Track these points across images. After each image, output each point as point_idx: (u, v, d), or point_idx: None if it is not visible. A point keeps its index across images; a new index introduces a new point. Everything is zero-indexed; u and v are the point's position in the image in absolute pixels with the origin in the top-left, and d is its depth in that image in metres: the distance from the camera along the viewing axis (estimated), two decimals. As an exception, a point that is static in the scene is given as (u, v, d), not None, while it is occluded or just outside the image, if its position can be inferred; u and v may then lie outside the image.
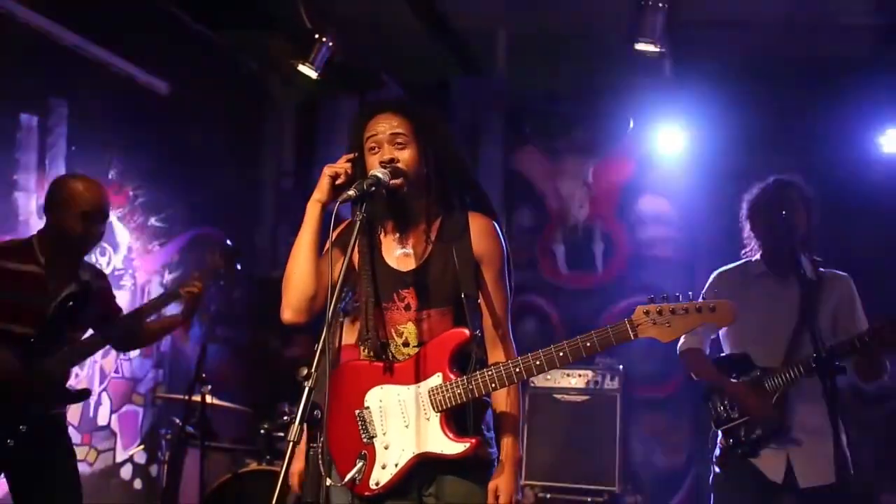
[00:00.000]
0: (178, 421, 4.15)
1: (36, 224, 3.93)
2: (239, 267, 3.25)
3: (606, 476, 4.39)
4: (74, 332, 2.92)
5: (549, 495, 4.41)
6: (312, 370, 1.84)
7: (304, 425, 1.82)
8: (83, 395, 3.06)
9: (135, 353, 4.54)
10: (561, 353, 2.08)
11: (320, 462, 1.86)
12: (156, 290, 4.74)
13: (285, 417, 4.05)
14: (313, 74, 4.13)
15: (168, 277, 4.89)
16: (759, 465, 2.91)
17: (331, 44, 4.09)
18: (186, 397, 3.69)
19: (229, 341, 5.29)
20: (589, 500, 4.38)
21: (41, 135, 4.02)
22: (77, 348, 2.91)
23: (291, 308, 2.17)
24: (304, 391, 1.83)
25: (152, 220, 4.79)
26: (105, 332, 3.03)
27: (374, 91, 5.31)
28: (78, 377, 4.12)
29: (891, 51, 4.43)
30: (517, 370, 2.10)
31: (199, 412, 3.75)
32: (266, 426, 4.14)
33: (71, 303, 2.85)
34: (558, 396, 4.48)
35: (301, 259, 2.17)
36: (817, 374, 2.67)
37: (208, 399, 3.83)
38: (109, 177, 4.39)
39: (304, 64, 4.09)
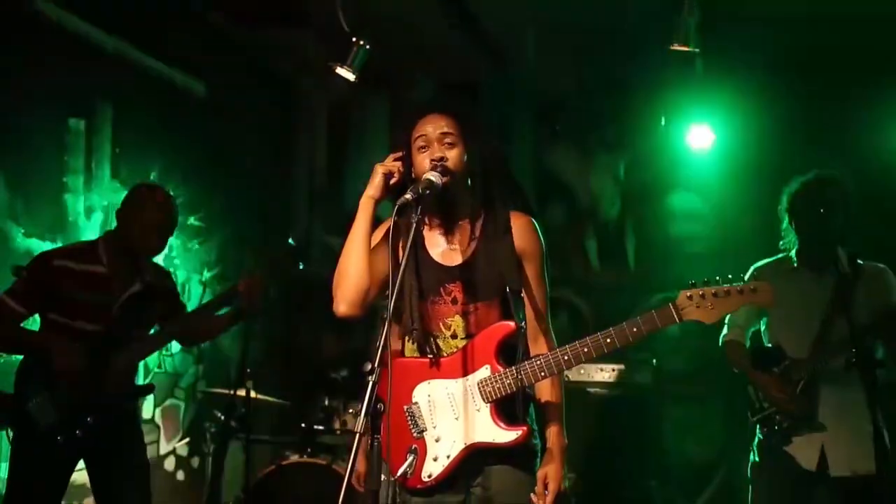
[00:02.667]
0: (220, 415, 4.27)
1: (84, 225, 4.05)
2: (301, 266, 3.36)
3: (639, 469, 4.45)
4: (140, 329, 3.04)
5: (583, 487, 4.47)
6: (375, 365, 1.92)
7: (369, 418, 1.89)
8: (148, 390, 3.20)
9: (176, 349, 4.67)
10: (608, 339, 2.15)
11: (382, 452, 1.94)
12: (196, 288, 4.86)
13: (351, 411, 4.18)
14: (351, 77, 4.21)
15: (207, 275, 5.01)
16: (792, 453, 2.98)
17: (368, 47, 4.17)
18: (232, 392, 3.80)
19: (265, 337, 5.40)
20: (623, 491, 4.44)
21: (88, 138, 4.14)
22: (143, 345, 3.03)
23: (346, 302, 2.24)
24: (367, 386, 1.91)
25: (191, 220, 4.90)
26: (169, 329, 3.15)
27: (405, 90, 5.39)
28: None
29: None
30: (566, 358, 2.17)
31: (243, 406, 3.86)
32: (306, 420, 4.25)
33: (135, 302, 2.98)
34: (591, 390, 4.54)
35: (354, 254, 2.24)
36: (857, 367, 2.71)
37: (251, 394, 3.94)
38: (151, 178, 4.50)
39: (342, 67, 4.17)
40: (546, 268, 2.35)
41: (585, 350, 2.16)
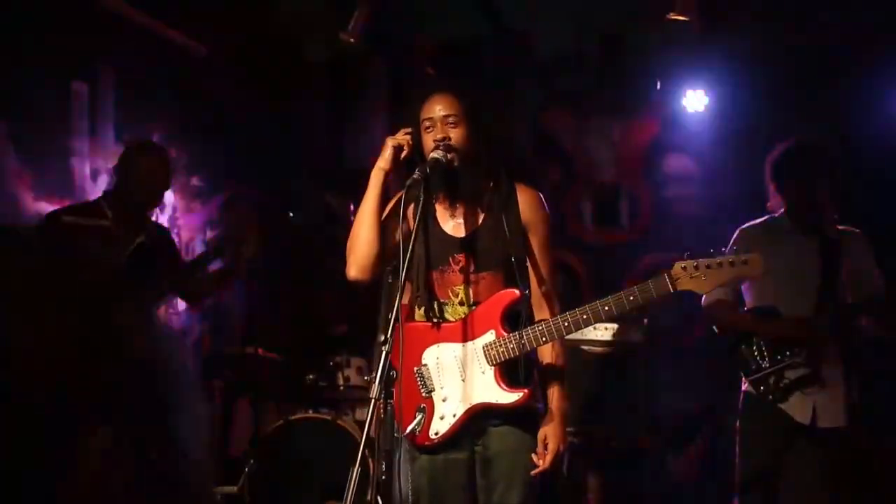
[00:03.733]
0: (229, 371, 4.41)
1: (90, 188, 4.12)
2: (292, 215, 3.46)
3: (631, 422, 4.63)
4: (148, 279, 3.16)
5: (575, 439, 4.65)
6: (388, 336, 2.04)
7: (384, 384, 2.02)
8: None
9: (182, 307, 4.79)
10: (606, 308, 2.28)
11: (394, 415, 2.08)
12: (199, 247, 4.96)
13: (366, 378, 4.33)
14: (354, 42, 4.26)
15: (209, 234, 5.10)
16: (787, 409, 3.13)
17: (370, 12, 4.21)
18: (240, 349, 3.93)
19: (268, 294, 5.52)
20: (614, 444, 4.63)
21: (91, 101, 4.19)
22: (152, 293, 3.16)
23: (357, 267, 2.38)
24: (381, 355, 2.04)
25: (193, 180, 4.97)
26: (174, 281, 3.28)
27: (404, 51, 5.42)
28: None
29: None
30: (566, 324, 2.30)
31: (251, 363, 3.99)
32: (312, 376, 4.40)
33: (142, 253, 3.11)
34: (586, 348, 4.68)
35: (366, 222, 2.37)
36: (838, 333, 2.87)
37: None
38: (154, 139, 4.56)
39: (344, 33, 4.21)
40: (551, 238, 2.46)
41: (585, 317, 2.30)
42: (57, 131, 4.00)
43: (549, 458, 2.30)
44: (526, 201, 2.41)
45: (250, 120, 5.33)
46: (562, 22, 5.03)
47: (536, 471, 2.32)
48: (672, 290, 2.27)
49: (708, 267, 2.25)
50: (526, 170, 2.56)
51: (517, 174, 2.47)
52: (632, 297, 2.28)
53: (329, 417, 4.16)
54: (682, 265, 2.26)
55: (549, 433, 2.33)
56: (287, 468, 4.03)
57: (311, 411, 4.22)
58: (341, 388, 4.42)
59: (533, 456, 2.32)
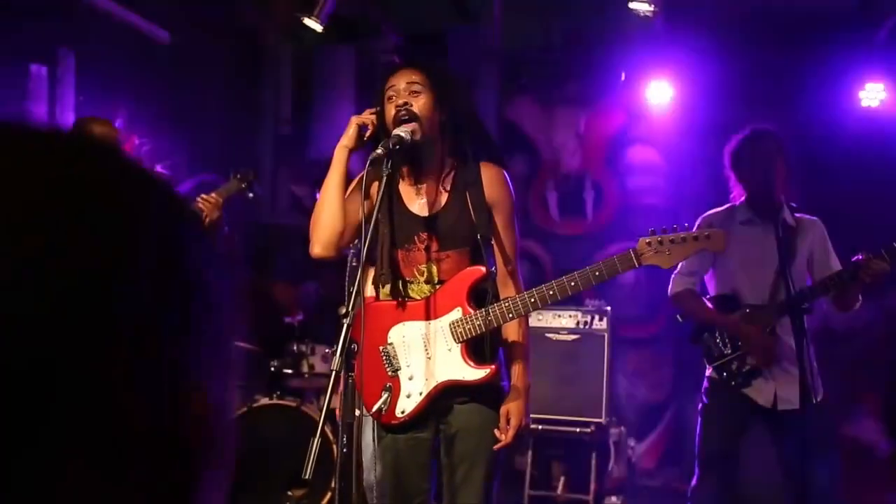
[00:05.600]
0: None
1: (50, 172, 4.06)
2: (252, 195, 3.47)
3: (593, 409, 4.67)
4: None
5: (540, 426, 4.69)
6: (350, 309, 2.04)
7: (344, 357, 2.02)
8: None
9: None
10: (573, 283, 2.29)
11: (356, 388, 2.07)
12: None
13: (327, 350, 4.31)
14: (318, 28, 4.24)
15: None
16: (750, 394, 3.21)
17: (336, -2, 4.20)
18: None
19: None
20: (577, 430, 4.67)
21: (51, 85, 4.12)
22: None
23: (321, 244, 2.37)
24: (342, 329, 2.03)
25: (158, 168, 4.90)
26: None
27: (371, 40, 5.41)
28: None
29: (872, 6, 4.63)
30: (532, 300, 2.31)
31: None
32: (275, 364, 4.37)
33: None
34: (550, 335, 4.71)
35: (329, 199, 2.36)
36: (788, 313, 2.95)
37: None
38: (116, 126, 4.49)
39: (308, 17, 4.19)
40: (515, 217, 2.48)
41: (551, 293, 2.31)
42: (13, 115, 3.91)
43: (510, 433, 2.30)
44: (490, 179, 2.41)
45: (214, 108, 5.28)
46: (528, 12, 5.07)
47: (498, 445, 2.32)
48: (637, 265, 2.30)
49: (672, 242, 2.29)
50: (493, 148, 2.54)
51: (482, 152, 2.47)
52: (597, 273, 2.30)
53: (294, 404, 4.14)
54: (647, 241, 2.30)
55: (512, 409, 2.33)
56: (251, 455, 4.00)
57: (275, 398, 4.20)
58: (306, 375, 4.40)
59: (496, 431, 2.33)
